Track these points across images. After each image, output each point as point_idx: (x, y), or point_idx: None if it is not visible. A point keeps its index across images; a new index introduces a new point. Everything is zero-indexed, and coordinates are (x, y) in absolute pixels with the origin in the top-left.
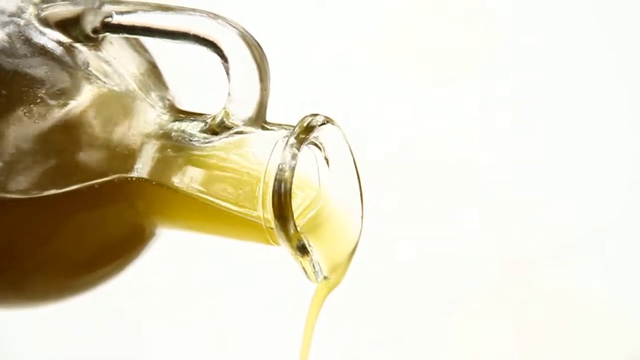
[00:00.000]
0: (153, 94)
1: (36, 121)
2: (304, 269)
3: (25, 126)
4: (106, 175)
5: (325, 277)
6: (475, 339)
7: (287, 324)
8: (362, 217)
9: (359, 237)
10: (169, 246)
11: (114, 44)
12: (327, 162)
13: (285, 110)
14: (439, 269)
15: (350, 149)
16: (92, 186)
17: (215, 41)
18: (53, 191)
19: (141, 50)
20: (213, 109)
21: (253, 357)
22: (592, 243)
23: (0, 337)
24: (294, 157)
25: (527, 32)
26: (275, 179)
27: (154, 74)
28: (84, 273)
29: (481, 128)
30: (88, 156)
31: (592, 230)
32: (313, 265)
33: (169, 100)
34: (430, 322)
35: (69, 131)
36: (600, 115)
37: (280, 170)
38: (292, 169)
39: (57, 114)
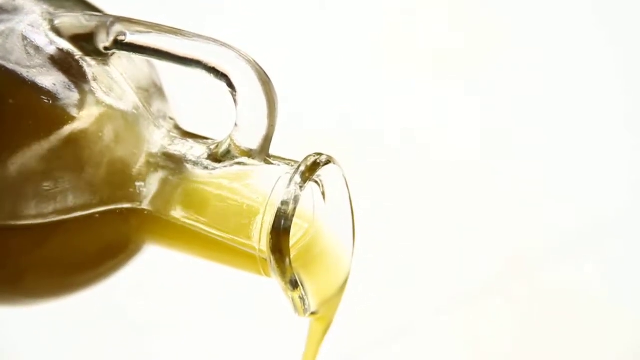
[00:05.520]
0: (157, 113)
1: (42, 134)
2: (293, 302)
3: (31, 139)
4: (107, 202)
5: (313, 313)
6: (475, 337)
7: (291, 324)
8: (352, 255)
9: (348, 275)
10: None
11: (122, 58)
12: (324, 198)
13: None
14: (439, 267)
15: (347, 188)
16: (92, 214)
17: (226, 73)
18: (53, 218)
19: (147, 65)
20: (210, 127)
21: (257, 357)
22: (593, 241)
23: (0, 335)
24: (296, 197)
25: (528, 32)
26: (276, 216)
27: (158, 91)
28: (67, 284)
29: (482, 127)
30: (91, 178)
31: (593, 229)
32: (302, 299)
33: (171, 119)
34: (431, 321)
35: (73, 148)
36: (601, 113)
37: (283, 205)
38: (294, 208)
39: (64, 129)
